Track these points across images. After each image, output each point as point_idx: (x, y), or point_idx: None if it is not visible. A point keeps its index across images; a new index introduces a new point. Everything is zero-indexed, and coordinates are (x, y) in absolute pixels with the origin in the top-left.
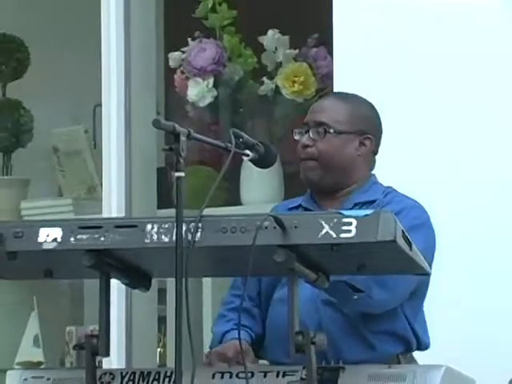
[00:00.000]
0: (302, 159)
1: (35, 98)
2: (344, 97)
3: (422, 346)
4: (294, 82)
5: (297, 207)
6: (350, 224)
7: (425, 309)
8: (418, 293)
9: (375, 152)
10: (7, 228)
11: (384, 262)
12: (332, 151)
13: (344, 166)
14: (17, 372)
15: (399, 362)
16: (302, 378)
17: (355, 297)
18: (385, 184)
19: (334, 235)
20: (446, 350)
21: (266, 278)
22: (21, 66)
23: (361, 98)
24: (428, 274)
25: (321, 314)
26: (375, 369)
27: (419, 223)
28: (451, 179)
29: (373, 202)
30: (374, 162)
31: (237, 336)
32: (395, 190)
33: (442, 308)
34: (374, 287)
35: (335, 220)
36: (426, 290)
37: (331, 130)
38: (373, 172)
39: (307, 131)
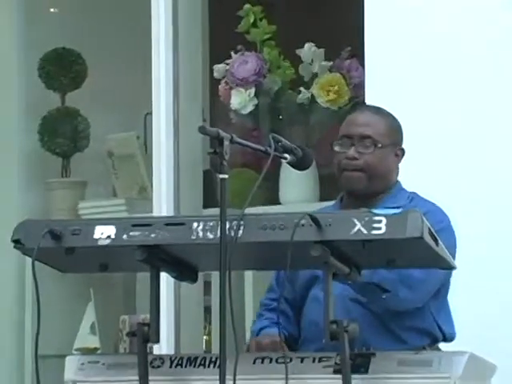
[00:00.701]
0: (347, 170)
1: (92, 107)
2: (378, 111)
3: (448, 338)
4: (328, 91)
5: None
6: (380, 222)
7: (450, 300)
8: (443, 290)
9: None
10: (66, 226)
11: (412, 257)
12: (377, 163)
13: (385, 176)
14: (75, 357)
15: (417, 353)
16: (336, 363)
17: (383, 296)
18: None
19: (366, 232)
20: (469, 338)
21: (300, 283)
22: (79, 78)
23: (388, 111)
24: (454, 268)
25: (350, 311)
26: (403, 355)
27: (442, 226)
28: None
29: (399, 207)
30: (399, 168)
31: (272, 331)
32: (418, 196)
33: (466, 299)
34: (400, 288)
35: (367, 218)
36: (449, 286)
37: (379, 145)
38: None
39: (352, 144)
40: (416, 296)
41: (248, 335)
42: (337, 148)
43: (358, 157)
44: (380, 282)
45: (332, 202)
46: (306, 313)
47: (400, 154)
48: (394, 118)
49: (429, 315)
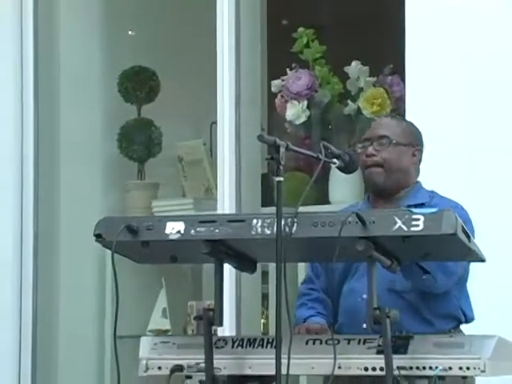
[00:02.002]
0: (368, 166)
1: (164, 118)
2: (395, 117)
3: (468, 320)
4: (372, 103)
5: None
6: (418, 220)
7: (474, 289)
8: (464, 278)
9: (420, 162)
10: (141, 222)
11: (446, 251)
12: (394, 158)
13: (402, 171)
14: (148, 338)
15: (451, 336)
16: (378, 345)
17: (424, 277)
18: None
19: (405, 229)
20: (497, 323)
21: (336, 274)
22: (153, 92)
23: (405, 119)
24: (483, 261)
25: (385, 300)
26: (438, 338)
27: (462, 219)
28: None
29: (422, 204)
30: (419, 170)
31: (317, 320)
32: (438, 194)
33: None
34: (438, 272)
35: (406, 216)
36: (468, 275)
37: (393, 141)
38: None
39: (371, 144)
40: (448, 281)
41: None
42: (359, 150)
43: (376, 153)
44: (423, 264)
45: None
46: (344, 302)
47: (417, 154)
48: (411, 123)
49: (454, 301)
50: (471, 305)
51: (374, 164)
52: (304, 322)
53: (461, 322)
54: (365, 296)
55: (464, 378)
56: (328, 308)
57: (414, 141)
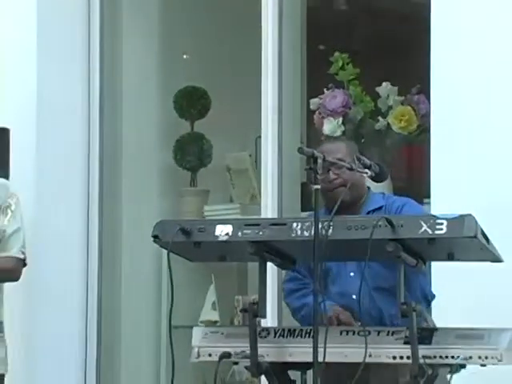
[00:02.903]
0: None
1: (214, 132)
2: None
3: (433, 298)
4: (400, 120)
5: None
6: (442, 224)
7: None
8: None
9: None
10: (194, 225)
11: (467, 252)
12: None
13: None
14: (200, 328)
15: (425, 320)
16: (405, 336)
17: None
18: None
19: (430, 232)
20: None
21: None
22: (204, 109)
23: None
24: (501, 261)
25: (375, 297)
26: (460, 330)
27: (422, 210)
28: None
29: (380, 207)
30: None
31: (331, 303)
32: (389, 194)
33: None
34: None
35: (431, 221)
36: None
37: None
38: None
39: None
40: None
41: None
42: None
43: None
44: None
45: None
46: (338, 302)
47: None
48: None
49: (423, 287)
50: (431, 284)
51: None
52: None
53: (429, 302)
54: (354, 297)
55: (483, 366)
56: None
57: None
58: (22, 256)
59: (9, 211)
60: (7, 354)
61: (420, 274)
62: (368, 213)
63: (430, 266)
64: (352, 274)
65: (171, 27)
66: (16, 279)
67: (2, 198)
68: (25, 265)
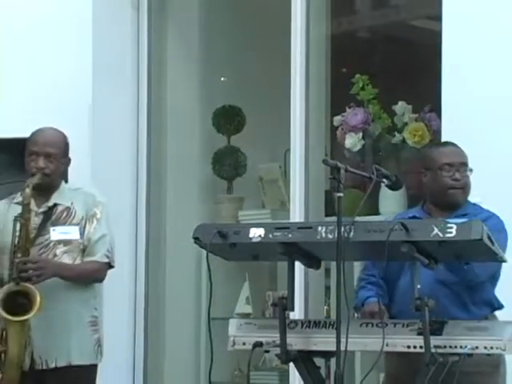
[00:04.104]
0: (454, 188)
1: (248, 145)
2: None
3: (500, 307)
4: (414, 135)
5: (412, 217)
6: (451, 228)
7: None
8: (497, 275)
9: None
10: (230, 228)
11: (474, 253)
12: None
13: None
14: (235, 320)
15: (480, 321)
16: (419, 328)
17: (465, 267)
18: None
19: (441, 235)
20: None
21: (391, 268)
22: (240, 126)
23: None
24: (505, 261)
25: (435, 290)
26: (467, 323)
27: (499, 228)
28: None
29: (466, 214)
30: None
31: (375, 300)
32: (479, 206)
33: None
34: (475, 265)
35: (442, 225)
36: (500, 272)
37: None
38: None
39: (457, 170)
40: (483, 272)
41: None
42: (444, 173)
43: (460, 178)
44: None
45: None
46: (399, 294)
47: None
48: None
49: (489, 292)
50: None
51: (459, 187)
52: (364, 301)
53: (494, 309)
54: (419, 286)
55: (488, 355)
56: (384, 291)
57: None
58: (106, 260)
59: (94, 220)
60: (101, 345)
61: (488, 283)
62: (456, 217)
63: (494, 274)
64: None
65: (210, 53)
66: (100, 280)
67: (89, 207)
68: (111, 267)
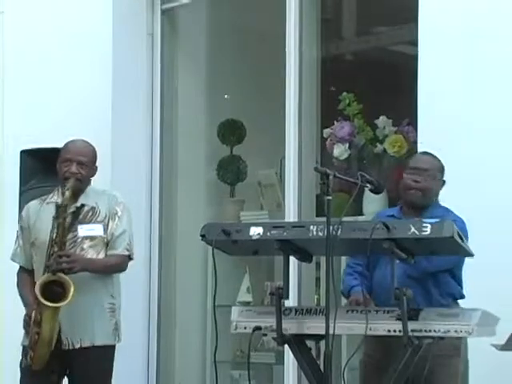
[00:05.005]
0: (411, 188)
1: (248, 155)
2: (431, 155)
3: (462, 297)
4: (394, 146)
5: (390, 216)
6: (427, 227)
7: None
8: (456, 270)
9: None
10: (232, 227)
11: (446, 249)
12: (430, 187)
13: (431, 196)
14: (237, 307)
15: (450, 308)
16: (398, 314)
17: (413, 261)
18: None
19: (417, 233)
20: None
21: (370, 262)
22: (240, 137)
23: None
24: (472, 256)
25: (405, 283)
26: (440, 310)
27: (462, 227)
28: None
29: (439, 217)
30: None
31: (359, 290)
32: (448, 209)
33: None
34: (423, 260)
35: (418, 224)
36: (463, 265)
37: (432, 174)
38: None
39: (420, 174)
40: (429, 266)
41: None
42: (408, 175)
43: (420, 181)
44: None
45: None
46: (376, 282)
47: (440, 182)
48: (437, 159)
49: (453, 284)
50: (463, 286)
51: (416, 188)
52: (350, 290)
53: (456, 299)
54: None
55: (458, 338)
56: (368, 280)
57: (441, 174)
58: (126, 253)
59: (116, 217)
60: (117, 329)
61: (449, 275)
62: (426, 218)
63: (460, 270)
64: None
65: (216, 74)
66: (122, 271)
67: (111, 206)
68: (131, 259)
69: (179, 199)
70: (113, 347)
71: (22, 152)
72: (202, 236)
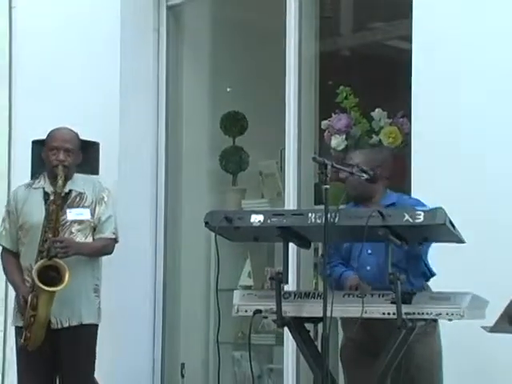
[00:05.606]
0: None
1: (250, 145)
2: (362, 150)
3: (433, 275)
4: (389, 137)
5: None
6: (420, 214)
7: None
8: (427, 250)
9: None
10: (234, 214)
11: (439, 235)
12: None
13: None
14: (239, 291)
15: (424, 289)
16: (392, 298)
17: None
18: None
19: (411, 220)
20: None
21: (345, 254)
22: (243, 129)
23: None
24: (464, 242)
25: (384, 269)
26: (432, 294)
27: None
28: None
29: (393, 203)
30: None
31: (351, 274)
32: (401, 194)
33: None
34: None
35: (412, 212)
36: (429, 248)
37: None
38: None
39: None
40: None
41: None
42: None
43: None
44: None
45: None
46: (358, 272)
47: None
48: (375, 151)
49: (423, 265)
50: (431, 265)
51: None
52: (341, 275)
53: (428, 278)
54: (368, 268)
55: (450, 320)
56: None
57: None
58: (113, 236)
59: (103, 203)
60: (100, 308)
61: (422, 256)
62: (385, 207)
63: (426, 250)
64: (369, 251)
65: (219, 67)
66: (109, 253)
67: (97, 192)
68: (116, 242)
69: (184, 188)
70: (97, 326)
71: (34, 142)
72: (206, 223)
